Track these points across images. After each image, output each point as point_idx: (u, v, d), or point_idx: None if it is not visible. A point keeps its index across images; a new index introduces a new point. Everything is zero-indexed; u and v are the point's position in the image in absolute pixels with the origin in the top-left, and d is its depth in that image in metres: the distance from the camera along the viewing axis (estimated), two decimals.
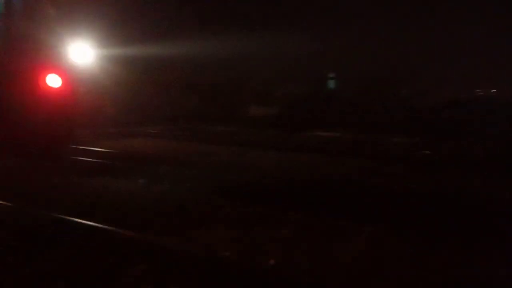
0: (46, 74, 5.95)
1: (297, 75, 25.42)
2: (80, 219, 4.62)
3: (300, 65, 25.24)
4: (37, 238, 4.24)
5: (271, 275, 3.51)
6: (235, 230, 4.70)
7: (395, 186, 6.85)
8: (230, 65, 23.15)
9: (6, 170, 7.68)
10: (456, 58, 25.04)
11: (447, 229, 4.75)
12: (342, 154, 10.53)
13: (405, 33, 25.01)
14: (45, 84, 5.91)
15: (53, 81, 5.98)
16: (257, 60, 23.52)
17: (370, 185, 6.88)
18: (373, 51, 24.86)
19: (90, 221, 4.54)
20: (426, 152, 10.94)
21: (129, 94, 19.22)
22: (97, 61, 16.71)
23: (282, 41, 23.02)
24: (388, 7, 24.81)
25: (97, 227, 4.38)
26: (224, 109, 21.83)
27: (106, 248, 3.95)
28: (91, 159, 8.77)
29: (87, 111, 14.67)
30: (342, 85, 26.79)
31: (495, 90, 24.47)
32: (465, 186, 7.08)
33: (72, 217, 4.67)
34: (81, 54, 15.41)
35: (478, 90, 25.16)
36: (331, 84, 26.76)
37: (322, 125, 17.49)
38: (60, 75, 6.06)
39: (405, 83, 25.71)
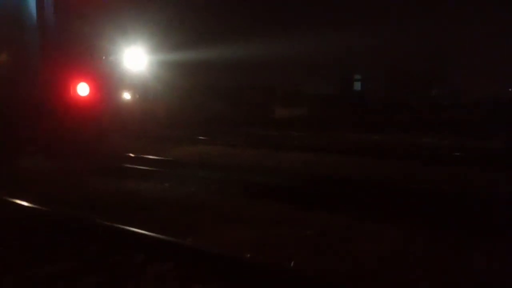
0: (76, 83, 6.21)
1: (324, 75, 25.29)
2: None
3: (327, 66, 25.09)
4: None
5: (293, 275, 3.53)
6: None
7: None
8: (258, 68, 23.27)
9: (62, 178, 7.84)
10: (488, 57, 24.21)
11: None
12: (370, 155, 10.43)
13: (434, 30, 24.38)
14: (75, 92, 6.17)
15: (82, 89, 6.24)
16: (284, 61, 23.54)
17: (387, 186, 6.77)
18: (401, 49, 24.36)
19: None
20: (456, 153, 10.69)
21: (172, 100, 19.38)
22: (150, 67, 16.92)
23: (309, 41, 22.94)
24: (421, 5, 24.26)
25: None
26: (255, 112, 21.90)
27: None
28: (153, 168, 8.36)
29: (139, 118, 14.87)
30: (370, 85, 26.46)
31: None
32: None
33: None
34: (134, 59, 15.65)
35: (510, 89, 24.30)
36: (358, 84, 26.51)
37: (351, 126, 17.36)
38: (89, 83, 6.31)
39: (436, 82, 25.11)
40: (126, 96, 16.08)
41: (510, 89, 24.65)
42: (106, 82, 7.86)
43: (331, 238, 4.55)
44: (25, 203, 5.30)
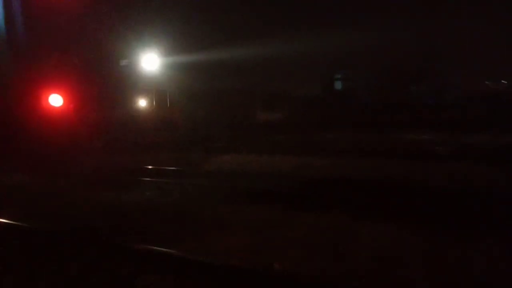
0: (49, 94, 5.99)
1: (304, 77, 25.30)
2: None
3: (307, 67, 25.12)
4: None
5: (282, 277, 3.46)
6: None
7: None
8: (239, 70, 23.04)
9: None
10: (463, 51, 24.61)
11: None
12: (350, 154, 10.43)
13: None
14: (48, 104, 5.94)
15: (55, 100, 6.00)
16: (265, 63, 23.45)
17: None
18: (385, 48, 24.53)
19: None
20: (438, 148, 10.83)
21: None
22: (164, 70, 16.26)
23: (288, 42, 22.92)
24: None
25: None
26: (238, 115, 21.53)
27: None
28: None
29: (161, 126, 14.14)
30: (351, 84, 26.57)
31: (505, 82, 24.08)
32: None
33: None
34: (149, 63, 15.12)
35: (487, 82, 24.75)
36: (339, 84, 26.59)
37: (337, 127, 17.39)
38: (63, 94, 6.08)
39: (419, 79, 25.29)
40: (142, 103, 15.39)
41: (486, 82, 25.08)
42: (86, 92, 7.60)
43: (324, 238, 4.48)
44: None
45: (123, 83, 11.33)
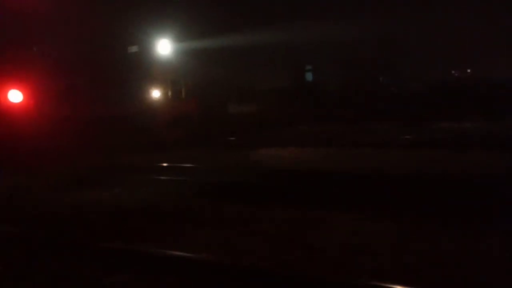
0: (8, 90, 5.78)
1: (275, 69, 25.35)
2: None
3: (277, 59, 25.17)
4: None
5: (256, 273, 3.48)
6: None
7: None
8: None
9: None
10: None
11: None
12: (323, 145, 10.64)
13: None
14: (6, 99, 5.73)
15: (14, 96, 5.80)
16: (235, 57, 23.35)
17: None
18: (352, 40, 24.82)
19: None
20: (407, 137, 11.14)
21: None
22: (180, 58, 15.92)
23: (257, 36, 22.89)
24: None
25: None
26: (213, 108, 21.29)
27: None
28: None
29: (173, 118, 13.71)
30: (321, 76, 26.81)
31: (469, 71, 24.87)
32: None
33: None
34: (164, 50, 14.82)
35: (453, 71, 25.50)
36: (309, 76, 26.79)
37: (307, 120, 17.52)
38: (22, 90, 5.87)
39: (385, 70, 25.74)
40: (156, 94, 14.97)
41: (453, 72, 25.87)
42: (49, 87, 7.34)
43: (290, 230, 4.60)
44: None
45: (109, 76, 11.04)
